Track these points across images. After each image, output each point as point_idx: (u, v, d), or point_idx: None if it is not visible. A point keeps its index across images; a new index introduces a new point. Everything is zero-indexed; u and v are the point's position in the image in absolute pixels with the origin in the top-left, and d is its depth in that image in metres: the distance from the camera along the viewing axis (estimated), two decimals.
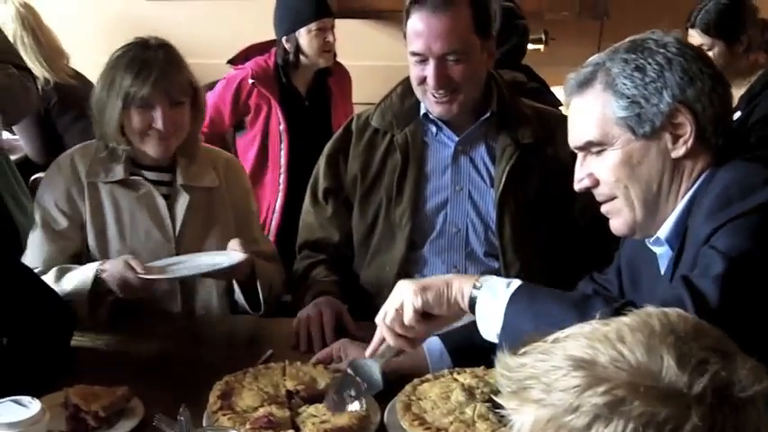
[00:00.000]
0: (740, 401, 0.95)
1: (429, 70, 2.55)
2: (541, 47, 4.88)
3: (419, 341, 2.02)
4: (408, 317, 1.87)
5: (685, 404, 0.93)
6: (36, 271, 2.49)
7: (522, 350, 1.07)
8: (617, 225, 1.93)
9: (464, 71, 2.56)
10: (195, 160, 2.71)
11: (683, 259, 1.81)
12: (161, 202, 2.65)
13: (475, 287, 1.82)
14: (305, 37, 4.26)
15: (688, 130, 1.80)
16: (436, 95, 2.59)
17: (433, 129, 2.72)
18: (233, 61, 4.39)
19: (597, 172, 1.89)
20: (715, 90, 1.81)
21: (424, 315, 1.87)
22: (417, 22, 2.54)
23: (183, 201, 2.66)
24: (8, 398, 1.82)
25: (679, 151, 1.82)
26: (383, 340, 1.96)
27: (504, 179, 2.64)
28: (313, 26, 4.25)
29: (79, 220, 2.61)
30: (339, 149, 2.81)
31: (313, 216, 2.83)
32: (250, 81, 4.24)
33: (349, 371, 2.04)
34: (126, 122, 2.56)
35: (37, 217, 2.62)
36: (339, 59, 4.56)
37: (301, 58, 4.30)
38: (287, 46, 4.28)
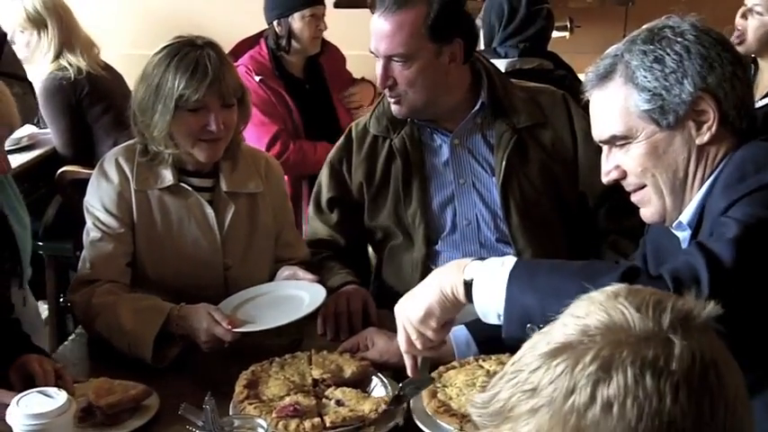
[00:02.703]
0: (702, 326, 0.99)
1: (377, 69, 2.57)
2: (567, 34, 4.83)
3: (443, 342, 1.98)
4: (437, 340, 1.85)
5: (664, 338, 0.96)
6: (101, 281, 2.46)
7: (488, 385, 1.05)
8: (648, 214, 1.93)
9: (409, 75, 2.54)
10: (237, 163, 2.62)
11: (699, 236, 1.80)
12: (210, 213, 2.56)
13: (465, 280, 1.77)
14: (298, 22, 4.22)
15: (711, 117, 1.79)
16: (387, 94, 2.61)
17: (428, 128, 2.71)
18: None
19: (624, 164, 1.88)
20: (735, 74, 1.80)
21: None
22: (372, 21, 2.56)
23: (229, 211, 2.58)
24: (35, 389, 1.85)
25: (703, 138, 1.81)
26: (415, 358, 1.93)
27: (503, 166, 2.63)
28: (307, 12, 4.22)
29: (130, 223, 2.53)
30: (341, 158, 2.79)
31: (318, 222, 2.84)
32: (257, 78, 4.16)
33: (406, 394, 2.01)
34: (176, 126, 2.44)
35: (89, 222, 2.54)
36: (353, 50, 4.50)
37: (293, 43, 4.27)
38: (278, 29, 4.25)
